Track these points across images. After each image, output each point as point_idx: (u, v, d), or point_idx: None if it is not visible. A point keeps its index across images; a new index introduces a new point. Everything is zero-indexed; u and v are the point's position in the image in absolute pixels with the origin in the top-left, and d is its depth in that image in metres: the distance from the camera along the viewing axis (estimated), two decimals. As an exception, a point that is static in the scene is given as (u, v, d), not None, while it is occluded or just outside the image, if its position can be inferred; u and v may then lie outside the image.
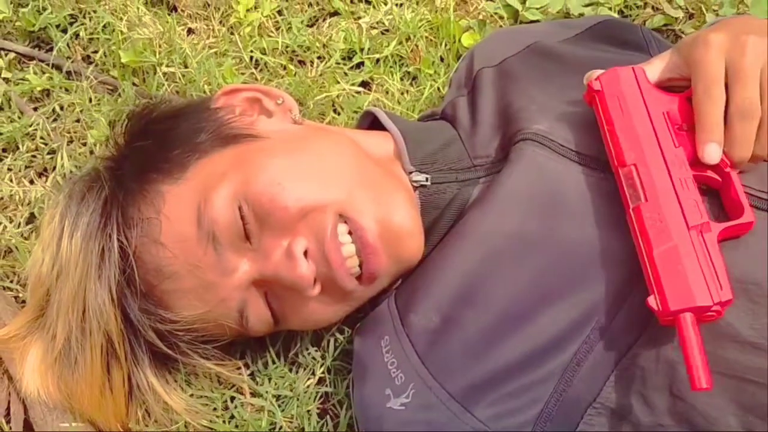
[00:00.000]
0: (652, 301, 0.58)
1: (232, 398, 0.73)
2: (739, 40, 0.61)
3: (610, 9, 1.05)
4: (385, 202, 0.67)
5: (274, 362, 0.75)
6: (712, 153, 0.60)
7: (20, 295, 0.80)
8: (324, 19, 1.07)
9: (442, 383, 0.64)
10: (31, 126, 0.92)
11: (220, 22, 1.05)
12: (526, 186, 0.67)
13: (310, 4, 1.08)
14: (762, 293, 0.60)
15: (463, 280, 0.66)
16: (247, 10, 1.04)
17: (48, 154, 0.91)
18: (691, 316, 0.56)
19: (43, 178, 0.89)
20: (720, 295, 0.56)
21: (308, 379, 0.74)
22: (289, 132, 0.72)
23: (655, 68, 0.67)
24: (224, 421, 0.71)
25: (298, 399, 0.73)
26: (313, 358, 0.75)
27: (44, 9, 1.00)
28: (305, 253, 0.65)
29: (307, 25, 1.05)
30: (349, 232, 0.66)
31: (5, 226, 0.84)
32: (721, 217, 0.62)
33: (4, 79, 0.97)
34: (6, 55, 1.00)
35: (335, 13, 1.07)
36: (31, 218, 0.86)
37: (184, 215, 0.66)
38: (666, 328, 0.59)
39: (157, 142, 0.70)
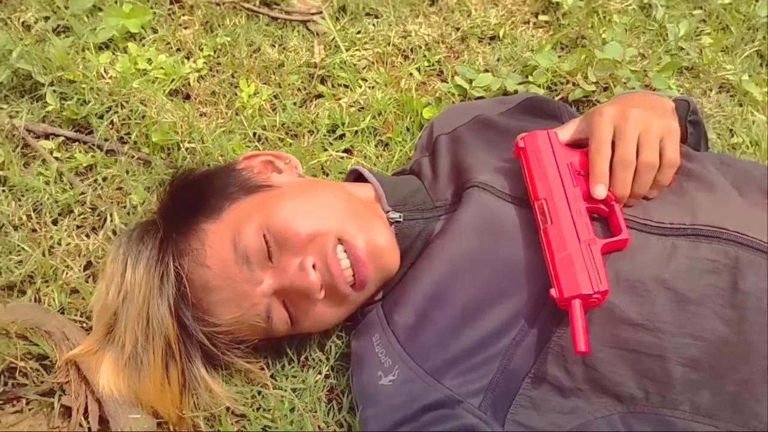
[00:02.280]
0: (554, 292, 0.82)
1: (259, 392, 0.95)
2: (624, 112, 0.88)
3: (538, 86, 1.33)
4: (370, 229, 0.91)
5: (290, 364, 0.97)
6: (599, 191, 0.87)
7: (85, 324, 1.01)
8: (311, 101, 1.32)
9: (419, 363, 0.87)
10: (81, 194, 1.15)
11: (227, 106, 1.30)
12: (475, 220, 0.92)
13: (299, 89, 1.34)
14: (645, 288, 0.84)
15: (432, 288, 0.90)
16: (249, 96, 1.29)
17: (96, 216, 1.13)
18: (579, 302, 0.80)
19: (94, 235, 1.11)
20: (599, 287, 0.81)
21: (317, 375, 0.96)
22: (296, 183, 0.97)
23: (566, 131, 0.94)
24: (255, 409, 0.92)
25: (309, 390, 0.95)
26: (320, 360, 0.98)
27: (86, 102, 1.24)
28: (313, 267, 0.88)
29: (299, 106, 1.30)
30: (345, 252, 0.90)
31: (69, 273, 1.06)
32: (608, 236, 0.86)
33: (55, 158, 1.20)
34: (55, 138, 1.23)
35: (320, 96, 1.33)
36: (88, 265, 1.08)
37: (223, 244, 0.89)
38: None
39: (198, 194, 0.94)
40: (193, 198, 0.95)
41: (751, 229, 0.86)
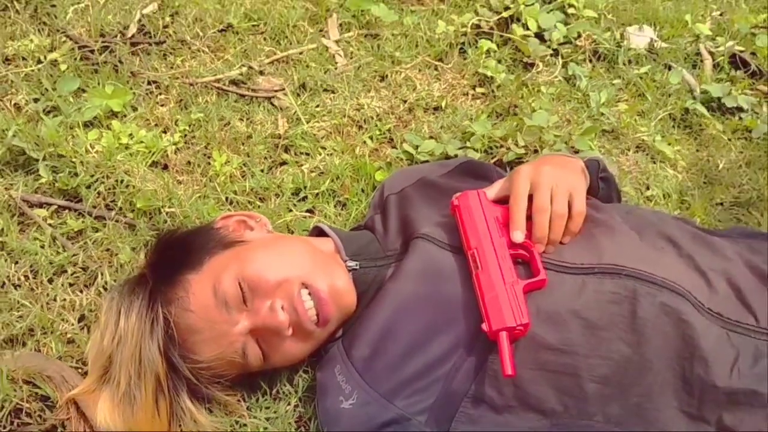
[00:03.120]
0: (484, 326, 0.98)
1: (237, 422, 1.09)
2: (538, 170, 1.07)
3: (475, 150, 1.52)
4: (330, 274, 1.08)
5: (263, 396, 1.11)
6: (517, 237, 1.04)
7: (80, 369, 1.14)
8: (277, 168, 1.50)
9: (375, 388, 1.03)
10: (73, 256, 1.29)
11: (202, 174, 1.47)
12: (420, 266, 1.08)
13: (266, 158, 1.51)
14: (561, 319, 1.01)
15: (384, 325, 1.06)
16: (221, 165, 1.46)
17: (87, 274, 1.28)
18: (505, 333, 0.97)
19: (87, 291, 1.25)
20: (521, 320, 0.97)
21: (287, 406, 1.11)
22: (266, 238, 1.14)
23: (493, 190, 1.12)
24: (235, 434, 1.07)
25: (281, 419, 1.09)
26: (289, 392, 1.12)
27: (76, 174, 1.40)
28: (282, 308, 1.04)
29: (266, 173, 1.47)
30: (309, 294, 1.05)
31: (65, 325, 1.20)
32: (529, 277, 1.03)
33: (49, 224, 1.35)
34: (48, 207, 1.38)
35: (284, 163, 1.51)
36: (82, 318, 1.21)
37: (204, 292, 1.05)
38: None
39: (181, 250, 1.09)
40: (178, 253, 1.10)
41: (647, 266, 1.03)
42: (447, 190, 1.20)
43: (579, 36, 1.88)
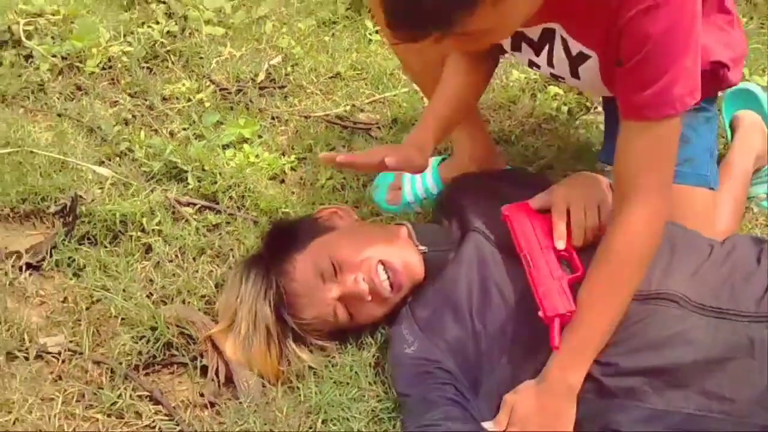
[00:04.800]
0: (540, 313, 1.27)
1: (329, 361, 1.42)
2: (573, 188, 1.38)
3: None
4: (402, 253, 1.41)
5: (351, 345, 1.45)
6: (560, 245, 1.33)
7: (214, 319, 1.51)
8: (369, 183, 1.85)
9: (430, 339, 1.34)
10: (210, 242, 1.68)
11: (310, 186, 1.84)
12: (473, 254, 1.40)
13: (360, 176, 1.87)
14: None
15: (442, 295, 1.37)
16: (326, 179, 1.83)
17: (221, 256, 1.66)
18: (558, 319, 1.25)
19: (221, 266, 1.63)
20: (570, 308, 1.25)
21: (368, 353, 1.43)
22: (353, 225, 1.50)
23: (536, 202, 1.42)
24: (328, 369, 1.40)
25: (363, 361, 1.41)
26: (369, 343, 1.45)
27: (215, 182, 1.80)
28: (363, 280, 1.37)
29: (359, 188, 1.83)
30: (385, 271, 1.38)
31: (204, 290, 1.57)
32: (573, 273, 1.31)
33: (194, 218, 1.74)
34: (194, 206, 1.78)
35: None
36: (216, 285, 1.59)
37: (306, 267, 1.40)
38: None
39: (291, 235, 1.46)
40: (287, 237, 1.47)
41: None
42: (498, 194, 1.51)
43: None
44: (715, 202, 1.57)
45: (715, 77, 1.49)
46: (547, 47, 1.38)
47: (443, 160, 1.82)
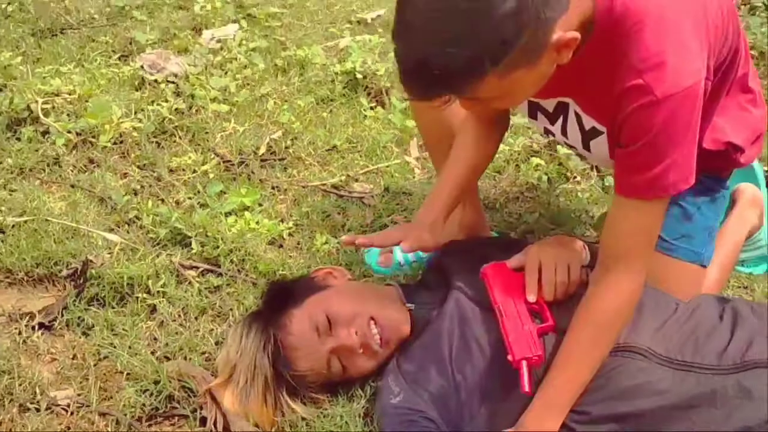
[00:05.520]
0: (509, 357, 1.37)
1: (321, 412, 1.51)
2: (545, 248, 1.50)
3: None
4: (391, 311, 1.52)
5: (341, 397, 1.54)
6: (531, 298, 1.44)
7: (213, 375, 1.60)
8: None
9: (414, 391, 1.43)
10: (212, 303, 1.79)
11: (307, 251, 1.96)
12: (455, 310, 1.51)
13: (355, 241, 1.98)
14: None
15: (426, 350, 1.47)
16: (321, 243, 1.95)
17: (222, 315, 1.77)
18: (525, 361, 1.35)
19: (221, 325, 1.74)
20: (536, 351, 1.35)
21: (357, 404, 1.52)
22: (346, 284, 1.60)
23: (512, 262, 1.53)
24: (321, 419, 1.49)
25: (353, 412, 1.50)
26: (360, 395, 1.54)
27: (218, 247, 1.92)
28: (356, 333, 1.48)
29: (353, 252, 1.95)
30: (375, 326, 1.49)
31: (205, 347, 1.67)
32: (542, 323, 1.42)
33: (196, 280, 1.86)
34: (197, 269, 1.90)
35: (369, 244, 1.98)
36: (217, 342, 1.69)
37: (303, 321, 1.51)
38: None
39: (288, 293, 1.57)
40: (285, 294, 1.58)
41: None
42: (480, 257, 1.62)
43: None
44: (704, 278, 1.65)
45: (727, 158, 1.56)
46: (561, 119, 1.49)
47: None
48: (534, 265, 1.48)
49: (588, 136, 1.46)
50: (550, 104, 1.48)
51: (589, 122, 1.43)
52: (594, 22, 1.24)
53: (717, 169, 1.61)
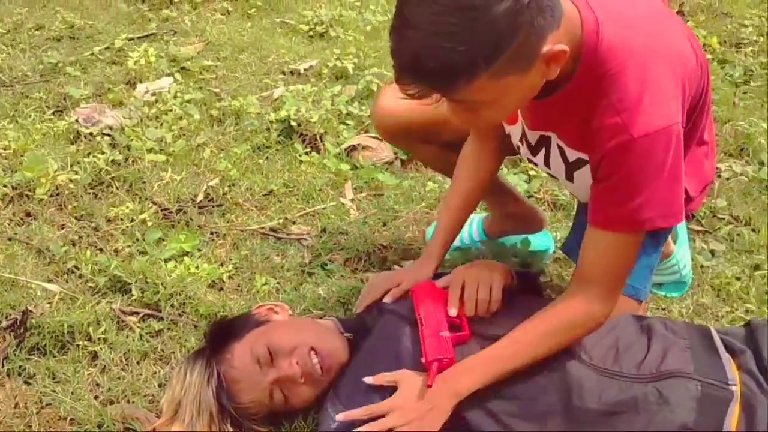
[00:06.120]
0: (422, 359, 1.45)
1: (265, 448, 1.55)
2: (470, 269, 1.59)
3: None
4: (329, 340, 1.58)
5: (284, 428, 1.58)
6: (452, 312, 1.54)
7: (157, 415, 1.63)
8: (301, 287, 2.03)
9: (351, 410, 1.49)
10: (153, 347, 1.82)
11: (247, 292, 2.00)
12: (384, 329, 1.58)
13: (293, 280, 2.04)
14: None
15: (360, 372, 1.53)
16: (261, 285, 2.00)
17: (164, 359, 1.79)
18: (436, 363, 1.44)
19: (164, 368, 1.76)
20: (447, 354, 1.45)
21: (301, 434, 1.57)
22: (287, 319, 1.66)
23: (441, 281, 1.63)
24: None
25: (296, 445, 1.55)
26: (303, 427, 1.58)
27: (158, 292, 1.95)
28: (297, 363, 1.53)
29: (293, 290, 2.00)
30: (315, 355, 1.55)
31: (148, 390, 1.70)
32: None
33: (138, 326, 1.88)
34: (137, 315, 1.92)
35: (306, 282, 2.04)
36: (160, 384, 1.71)
37: (245, 354, 1.55)
38: None
39: (230, 329, 1.61)
40: (226, 330, 1.62)
41: None
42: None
43: (539, 190, 2.44)
44: (638, 312, 1.72)
45: None
46: (543, 150, 1.55)
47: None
48: (458, 282, 1.57)
49: (572, 167, 1.49)
50: (533, 137, 1.55)
51: (573, 154, 1.47)
52: (580, 55, 1.31)
53: None
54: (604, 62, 1.31)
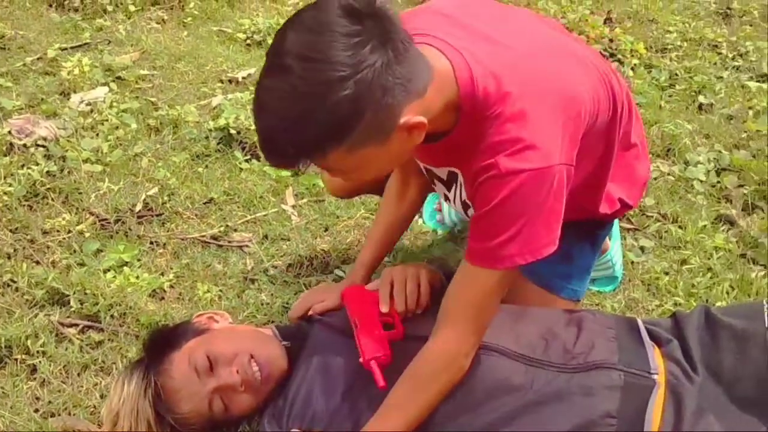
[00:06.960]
0: (360, 359, 1.49)
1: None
2: (397, 268, 1.63)
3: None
4: (269, 348, 1.60)
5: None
6: (383, 308, 1.57)
7: (99, 426, 1.61)
8: (243, 293, 2.03)
9: (289, 419, 1.52)
10: (94, 359, 1.80)
11: (189, 300, 2.00)
12: (316, 338, 1.62)
13: (235, 287, 2.05)
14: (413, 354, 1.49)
15: (294, 383, 1.56)
16: (204, 293, 2.00)
17: (105, 370, 1.78)
18: (374, 362, 1.47)
19: (104, 379, 1.75)
20: (383, 352, 1.48)
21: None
22: (227, 327, 1.67)
23: (371, 284, 1.66)
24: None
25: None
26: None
27: (97, 303, 1.93)
28: (237, 372, 1.54)
29: (235, 297, 2.01)
30: (255, 363, 1.56)
31: (89, 401, 1.68)
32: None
33: (77, 338, 1.86)
34: (77, 327, 1.90)
35: (249, 289, 2.04)
36: (102, 396, 1.70)
37: (183, 364, 1.56)
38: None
39: (168, 337, 1.62)
40: (165, 339, 1.63)
41: None
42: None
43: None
44: None
45: (617, 211, 1.70)
46: (454, 186, 1.57)
47: None
48: (387, 280, 1.61)
49: (465, 206, 1.54)
50: (443, 172, 1.57)
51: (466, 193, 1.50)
52: (460, 105, 1.34)
53: (606, 216, 1.74)
54: (482, 107, 1.33)
